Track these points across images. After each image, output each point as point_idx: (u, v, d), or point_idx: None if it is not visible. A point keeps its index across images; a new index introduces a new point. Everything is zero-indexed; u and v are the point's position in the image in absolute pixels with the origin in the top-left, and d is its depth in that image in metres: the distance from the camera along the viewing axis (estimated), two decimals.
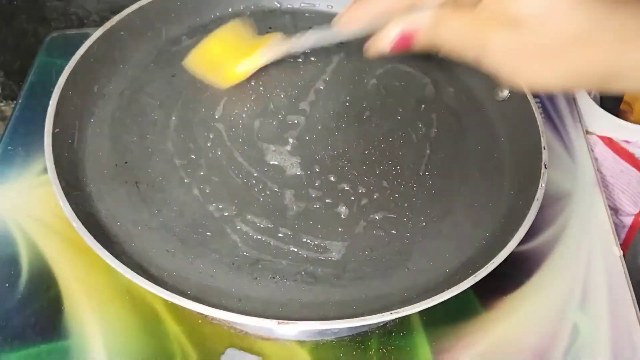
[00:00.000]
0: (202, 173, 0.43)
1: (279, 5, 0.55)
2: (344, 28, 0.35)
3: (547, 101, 0.58)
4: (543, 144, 0.43)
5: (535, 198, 0.39)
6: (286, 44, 0.45)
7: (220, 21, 0.53)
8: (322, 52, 0.52)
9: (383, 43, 0.32)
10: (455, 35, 0.30)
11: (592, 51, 0.27)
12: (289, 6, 0.55)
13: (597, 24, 0.27)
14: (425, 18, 0.31)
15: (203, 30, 0.52)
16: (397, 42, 0.32)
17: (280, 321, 0.33)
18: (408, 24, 0.31)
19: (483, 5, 0.29)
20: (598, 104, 0.57)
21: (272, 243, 0.40)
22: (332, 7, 0.55)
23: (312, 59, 0.52)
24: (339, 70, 0.51)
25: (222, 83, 0.47)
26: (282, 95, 0.49)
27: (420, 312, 0.41)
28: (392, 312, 0.34)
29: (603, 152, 0.57)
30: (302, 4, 0.56)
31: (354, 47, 0.53)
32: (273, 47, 0.45)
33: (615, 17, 0.27)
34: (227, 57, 0.47)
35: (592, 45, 0.27)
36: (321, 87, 0.50)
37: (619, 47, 0.27)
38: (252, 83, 0.49)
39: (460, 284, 0.35)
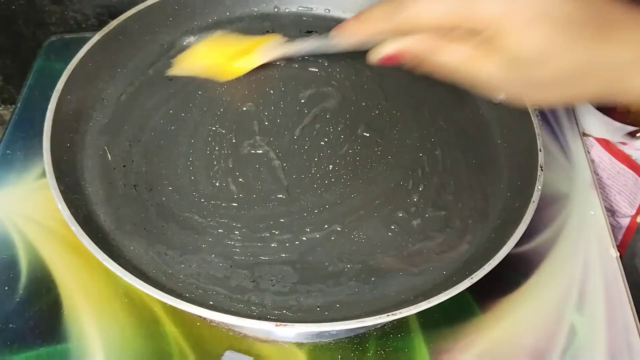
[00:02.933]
0: (199, 176, 0.44)
1: (276, 9, 0.55)
2: (342, 40, 0.36)
3: None
4: (539, 146, 0.43)
5: (532, 200, 0.40)
6: (285, 46, 0.46)
7: (217, 25, 0.53)
8: (319, 56, 0.52)
9: (374, 56, 0.35)
10: (453, 65, 0.32)
11: (591, 81, 0.29)
12: (286, 10, 0.56)
13: (595, 57, 0.28)
14: (420, 43, 0.32)
15: (200, 34, 0.52)
16: (388, 58, 0.34)
17: (278, 323, 0.33)
18: (403, 46, 0.33)
19: (483, 40, 0.29)
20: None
21: (269, 246, 0.40)
22: (329, 10, 0.56)
23: (311, 66, 0.52)
24: (337, 73, 0.51)
25: (220, 77, 0.49)
26: (282, 100, 0.49)
27: (418, 314, 0.41)
28: (390, 313, 0.34)
29: (600, 154, 0.57)
30: (300, 8, 0.56)
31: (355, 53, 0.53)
32: (272, 48, 0.47)
33: (611, 49, 0.28)
34: (225, 55, 0.48)
35: (591, 76, 0.29)
36: (320, 90, 0.50)
37: (615, 76, 0.29)
38: (250, 85, 0.50)
39: (457, 286, 0.35)
